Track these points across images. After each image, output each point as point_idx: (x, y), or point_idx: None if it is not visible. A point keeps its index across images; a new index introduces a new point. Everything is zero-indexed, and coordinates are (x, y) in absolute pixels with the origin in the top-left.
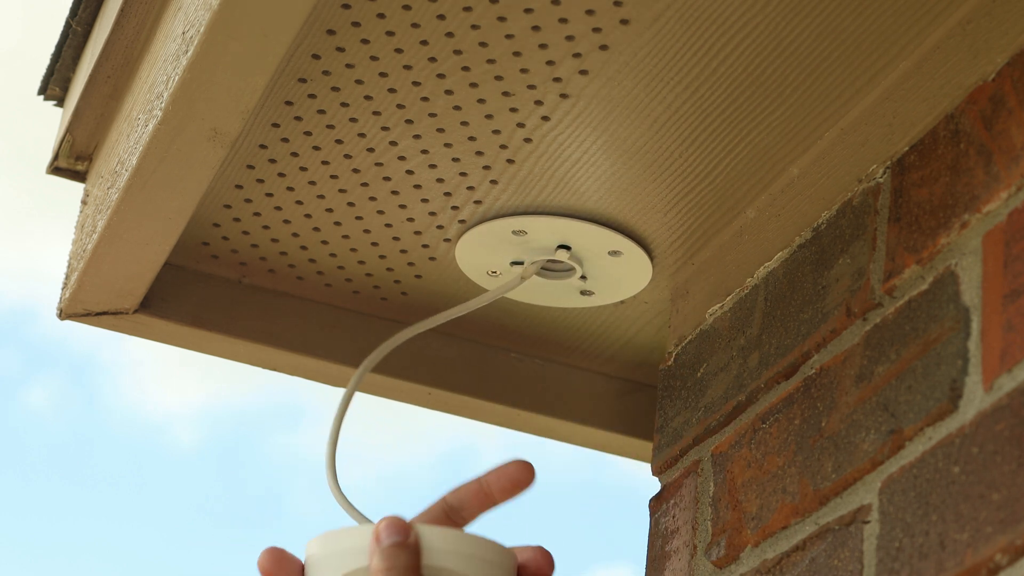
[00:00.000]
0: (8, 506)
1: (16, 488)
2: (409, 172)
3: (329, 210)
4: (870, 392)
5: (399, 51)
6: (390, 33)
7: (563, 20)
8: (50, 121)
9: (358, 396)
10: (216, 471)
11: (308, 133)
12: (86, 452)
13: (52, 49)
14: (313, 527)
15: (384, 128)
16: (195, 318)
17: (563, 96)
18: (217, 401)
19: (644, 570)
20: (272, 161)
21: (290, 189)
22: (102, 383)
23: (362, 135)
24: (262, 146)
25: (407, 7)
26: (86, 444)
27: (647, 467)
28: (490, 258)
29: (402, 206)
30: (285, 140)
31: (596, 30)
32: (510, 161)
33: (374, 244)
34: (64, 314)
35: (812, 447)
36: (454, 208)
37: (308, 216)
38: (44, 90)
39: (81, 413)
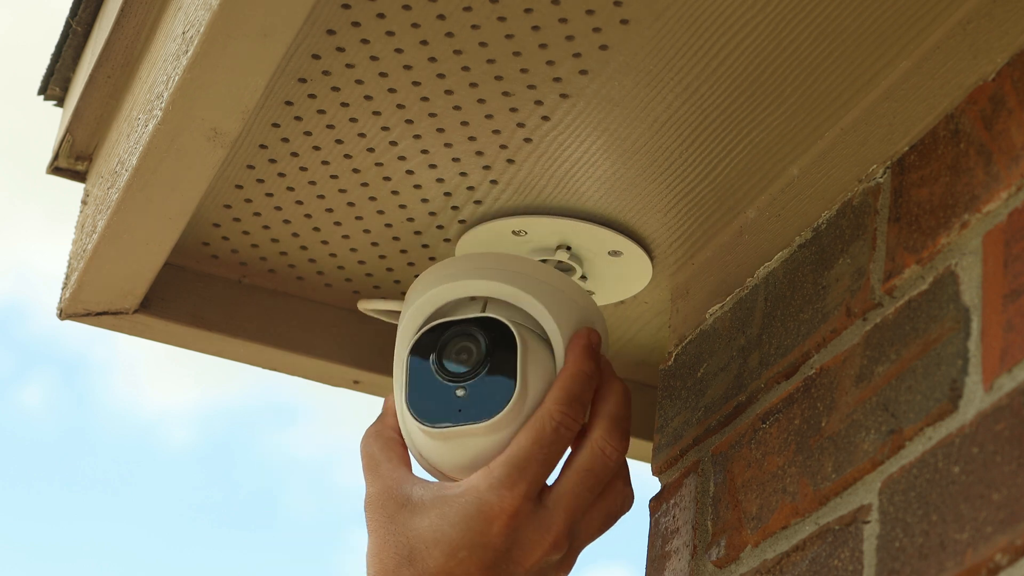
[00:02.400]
0: (4, 506)
1: (11, 488)
2: (409, 172)
3: (329, 210)
4: (870, 392)
5: (399, 51)
6: (390, 33)
7: (563, 20)
8: (50, 121)
9: (358, 396)
10: (210, 470)
11: (308, 133)
12: (80, 451)
13: (52, 49)
14: (308, 526)
15: (384, 128)
16: (195, 318)
17: (563, 96)
18: (210, 400)
19: (644, 570)
20: (272, 161)
21: (290, 189)
22: (95, 382)
23: (362, 135)
24: (262, 146)
25: (407, 7)
26: (80, 443)
27: (647, 467)
28: None
29: (402, 206)
30: (285, 140)
31: (596, 30)
32: (510, 161)
33: (374, 244)
34: (64, 314)
35: (812, 447)
36: (454, 208)
37: (308, 216)
38: (44, 90)
39: (74, 412)
